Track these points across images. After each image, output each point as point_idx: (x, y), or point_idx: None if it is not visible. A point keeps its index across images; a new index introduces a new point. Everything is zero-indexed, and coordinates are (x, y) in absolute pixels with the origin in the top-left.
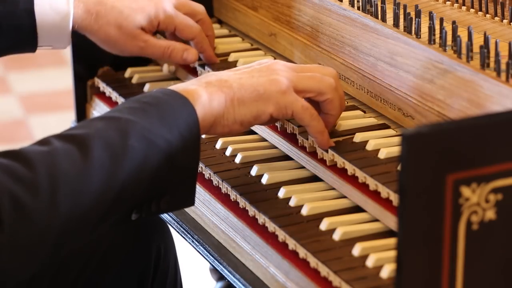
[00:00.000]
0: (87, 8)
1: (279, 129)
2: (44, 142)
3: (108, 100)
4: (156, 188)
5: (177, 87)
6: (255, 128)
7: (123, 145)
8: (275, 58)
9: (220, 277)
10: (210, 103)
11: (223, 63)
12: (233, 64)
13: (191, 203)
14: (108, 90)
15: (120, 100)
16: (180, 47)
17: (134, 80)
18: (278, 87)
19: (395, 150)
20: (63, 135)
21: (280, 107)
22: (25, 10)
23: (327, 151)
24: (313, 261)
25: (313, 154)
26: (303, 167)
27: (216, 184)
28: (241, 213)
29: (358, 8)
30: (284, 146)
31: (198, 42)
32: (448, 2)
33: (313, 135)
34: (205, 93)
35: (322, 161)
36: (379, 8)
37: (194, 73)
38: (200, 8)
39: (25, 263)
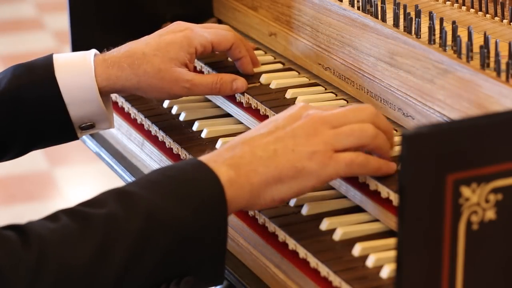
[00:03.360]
0: (117, 64)
1: None
2: (53, 217)
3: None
4: (170, 268)
5: (209, 160)
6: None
7: (127, 226)
8: (275, 58)
9: None
10: (242, 186)
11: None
12: (232, 64)
13: (220, 281)
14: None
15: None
16: (228, 79)
17: None
18: (317, 160)
19: (395, 150)
20: (73, 212)
21: (323, 179)
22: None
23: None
24: (313, 261)
25: None
26: None
27: None
28: (241, 213)
29: (358, 8)
30: None
31: (235, 48)
32: (448, 2)
33: (376, 174)
34: (238, 175)
35: None
36: (379, 8)
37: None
38: (226, 30)
39: None
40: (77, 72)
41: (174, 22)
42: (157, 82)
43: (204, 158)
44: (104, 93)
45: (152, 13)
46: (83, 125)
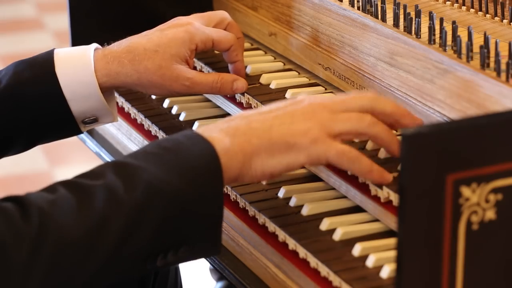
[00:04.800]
0: (118, 59)
1: None
2: (51, 189)
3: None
4: (168, 237)
5: (205, 130)
6: None
7: (127, 196)
8: (275, 58)
9: (220, 277)
10: (235, 154)
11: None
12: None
13: (216, 252)
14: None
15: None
16: (229, 78)
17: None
18: (309, 137)
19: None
20: (71, 183)
21: (312, 158)
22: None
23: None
24: (313, 261)
25: None
26: (303, 167)
27: None
28: (241, 213)
29: (358, 8)
30: None
31: (234, 50)
32: (448, 2)
33: (361, 177)
34: (231, 142)
35: None
36: (379, 8)
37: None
38: (224, 14)
39: None
40: (77, 68)
41: (175, 18)
42: (158, 78)
43: (200, 129)
44: (105, 88)
45: (152, 13)
46: (86, 119)
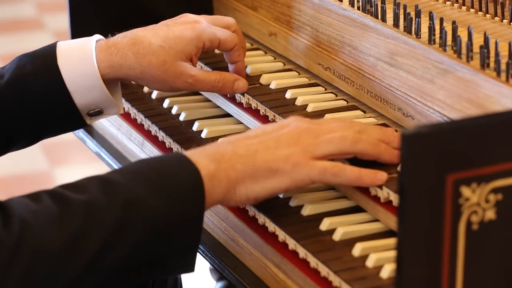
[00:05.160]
0: (121, 51)
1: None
2: (35, 197)
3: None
4: (143, 255)
5: (193, 154)
6: (248, 124)
7: (106, 215)
8: (275, 58)
9: (220, 277)
10: (219, 181)
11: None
12: None
13: (189, 270)
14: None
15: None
16: (230, 78)
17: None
18: (291, 162)
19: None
20: (56, 194)
21: (296, 181)
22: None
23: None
24: (313, 261)
25: None
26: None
27: None
28: (241, 213)
29: (358, 8)
30: None
31: (236, 50)
32: (448, 2)
33: (355, 183)
34: (218, 169)
35: None
36: (379, 8)
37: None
38: (231, 20)
39: None
40: (78, 59)
41: (182, 14)
42: (161, 74)
43: (188, 152)
44: (109, 80)
45: (152, 13)
46: (91, 111)
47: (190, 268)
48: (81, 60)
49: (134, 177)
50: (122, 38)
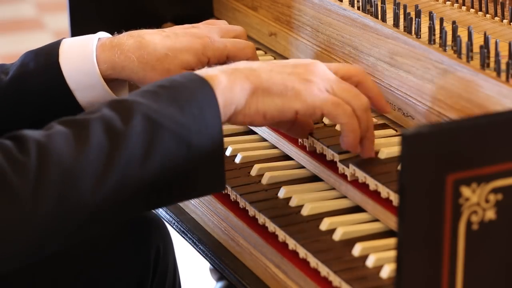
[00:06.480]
0: (125, 54)
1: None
2: (48, 127)
3: None
4: (172, 173)
5: (201, 71)
6: (253, 127)
7: (124, 127)
8: (275, 58)
9: (220, 277)
10: (231, 89)
11: None
12: None
13: (221, 188)
14: None
15: None
16: None
17: None
18: (308, 84)
19: (395, 150)
20: (66, 120)
21: (308, 106)
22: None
23: (327, 151)
24: (313, 261)
25: (313, 153)
26: (303, 167)
27: None
28: (241, 213)
29: (358, 8)
30: (284, 146)
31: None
32: (448, 2)
33: (345, 133)
34: (227, 79)
35: (322, 161)
36: (379, 8)
37: None
38: (240, 30)
39: (5, 253)
40: (79, 57)
41: (197, 24)
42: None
43: (198, 71)
44: (112, 79)
45: (152, 13)
46: None
47: (220, 185)
48: (81, 58)
49: (147, 95)
50: (128, 38)
